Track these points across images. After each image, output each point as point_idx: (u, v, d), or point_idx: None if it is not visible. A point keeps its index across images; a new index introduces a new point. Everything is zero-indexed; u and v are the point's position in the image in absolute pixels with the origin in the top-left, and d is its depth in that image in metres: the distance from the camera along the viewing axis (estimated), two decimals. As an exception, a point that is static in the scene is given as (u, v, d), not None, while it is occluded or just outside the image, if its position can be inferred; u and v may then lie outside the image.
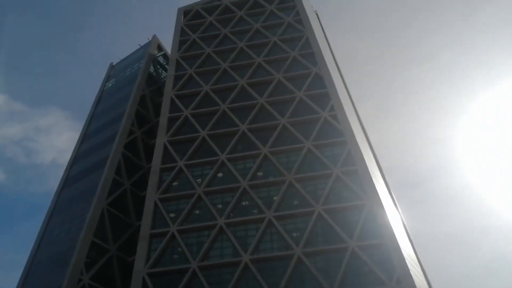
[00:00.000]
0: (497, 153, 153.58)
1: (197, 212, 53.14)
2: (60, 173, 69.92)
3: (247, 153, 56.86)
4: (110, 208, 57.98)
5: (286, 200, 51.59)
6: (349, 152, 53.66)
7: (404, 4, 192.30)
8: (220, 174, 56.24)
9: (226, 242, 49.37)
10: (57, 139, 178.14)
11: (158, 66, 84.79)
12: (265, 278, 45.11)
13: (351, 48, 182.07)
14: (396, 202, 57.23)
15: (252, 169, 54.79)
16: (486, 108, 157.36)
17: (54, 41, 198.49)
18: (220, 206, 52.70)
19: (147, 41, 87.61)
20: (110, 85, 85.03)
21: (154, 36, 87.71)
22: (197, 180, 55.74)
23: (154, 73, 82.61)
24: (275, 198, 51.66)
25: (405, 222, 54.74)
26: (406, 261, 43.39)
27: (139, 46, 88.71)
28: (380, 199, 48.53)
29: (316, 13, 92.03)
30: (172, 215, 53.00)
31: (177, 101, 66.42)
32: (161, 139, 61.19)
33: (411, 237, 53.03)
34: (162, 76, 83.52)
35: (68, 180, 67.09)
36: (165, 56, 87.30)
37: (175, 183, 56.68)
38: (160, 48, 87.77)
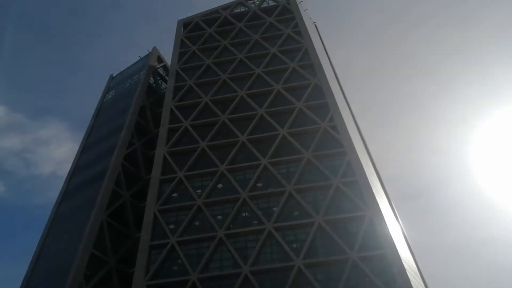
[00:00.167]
0: (498, 165, 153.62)
1: (197, 223, 52.97)
2: (60, 184, 69.94)
3: (246, 164, 56.84)
4: (109, 219, 57.80)
5: (286, 211, 51.46)
6: (349, 163, 53.65)
7: (403, 17, 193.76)
8: (220, 185, 56.17)
9: (226, 254, 49.14)
10: (56, 151, 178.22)
11: (158, 78, 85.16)
12: (265, 290, 44.78)
13: (350, 59, 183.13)
14: (396, 213, 57.09)
15: (252, 180, 54.73)
16: (487, 119, 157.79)
17: (54, 52, 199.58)
18: (220, 217, 52.54)
19: (147, 52, 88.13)
20: (110, 96, 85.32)
21: (154, 48, 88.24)
22: (197, 191, 55.64)
23: (154, 85, 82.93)
24: (275, 209, 51.52)
25: (405, 233, 54.55)
26: (407, 272, 43.16)
27: (139, 58, 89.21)
28: (380, 210, 48.41)
29: (315, 25, 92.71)
30: (171, 226, 52.81)
31: (177, 112, 66.58)
32: (161, 150, 61.21)
33: (412, 248, 52.83)
34: (162, 88, 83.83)
35: (68, 192, 66.99)
36: (165, 67, 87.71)
37: (174, 195, 56.57)
38: (160, 59, 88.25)
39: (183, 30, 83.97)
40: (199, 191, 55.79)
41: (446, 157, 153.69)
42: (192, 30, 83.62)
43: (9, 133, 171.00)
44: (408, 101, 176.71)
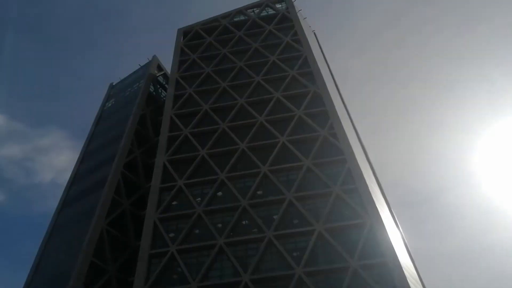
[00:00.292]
0: (498, 171, 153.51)
1: (197, 231, 52.85)
2: (60, 193, 69.88)
3: (246, 171, 56.84)
4: (109, 228, 57.68)
5: (286, 219, 51.37)
6: (349, 170, 53.65)
7: (402, 23, 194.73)
8: (219, 193, 56.12)
9: (226, 262, 48.97)
10: (56, 159, 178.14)
11: (158, 86, 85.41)
12: (265, 299, 44.61)
13: (349, 66, 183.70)
14: (396, 220, 57.00)
15: (252, 187, 54.69)
16: (488, 125, 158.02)
17: (54, 61, 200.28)
18: (220, 225, 52.43)
19: (147, 61, 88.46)
20: (110, 105, 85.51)
21: (154, 56, 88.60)
22: (196, 199, 55.59)
23: (154, 93, 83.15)
24: (275, 217, 51.43)
25: (406, 240, 54.42)
26: (408, 280, 42.98)
27: (139, 66, 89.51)
28: (381, 218, 48.33)
29: (314, 33, 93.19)
30: (171, 234, 52.69)
31: (176, 120, 66.71)
32: (161, 159, 61.23)
33: (413, 255, 52.69)
34: (162, 96, 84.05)
35: (68, 200, 66.93)
36: (165, 75, 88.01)
37: (174, 203, 56.49)
38: (160, 68, 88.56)
39: (183, 39, 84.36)
40: (199, 199, 55.74)
41: (446, 163, 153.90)
42: (192, 38, 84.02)
43: (9, 141, 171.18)
44: (408, 107, 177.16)
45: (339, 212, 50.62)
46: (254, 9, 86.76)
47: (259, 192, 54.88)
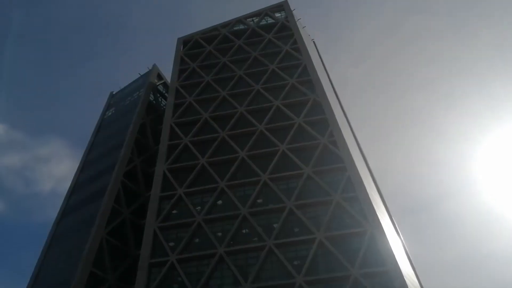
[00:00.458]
0: (499, 178, 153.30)
1: (197, 240, 52.67)
2: (60, 202, 69.77)
3: (246, 180, 56.76)
4: (109, 237, 57.48)
5: (287, 227, 51.20)
6: (349, 178, 53.58)
7: (400, 31, 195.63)
8: (219, 202, 56.00)
9: (226, 271, 48.74)
10: (56, 168, 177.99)
11: (158, 95, 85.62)
12: (266, 308, 44.34)
13: (349, 74, 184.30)
14: (397, 228, 56.83)
15: (252, 196, 54.59)
16: (489, 132, 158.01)
17: (54, 70, 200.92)
18: (220, 234, 52.25)
19: (147, 70, 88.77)
20: (110, 113, 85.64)
21: (154, 65, 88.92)
22: (196, 208, 55.46)
23: (154, 102, 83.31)
24: (275, 225, 51.28)
25: (407, 248, 54.22)
26: (409, 288, 42.75)
27: (139, 75, 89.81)
28: (381, 226, 48.18)
29: (313, 42, 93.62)
30: (171, 243, 52.49)
31: (176, 129, 66.77)
32: (161, 167, 61.19)
33: (414, 263, 52.45)
34: (162, 105, 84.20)
35: (67, 209, 66.80)
36: (165, 84, 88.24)
37: (174, 211, 56.37)
38: (160, 77, 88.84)
39: (183, 48, 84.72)
40: (199, 207, 55.60)
41: (447, 170, 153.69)
42: (191, 47, 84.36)
43: (9, 150, 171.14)
44: (407, 114, 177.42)
45: (339, 220, 50.47)
46: (254, 18, 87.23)
47: (259, 201, 54.76)
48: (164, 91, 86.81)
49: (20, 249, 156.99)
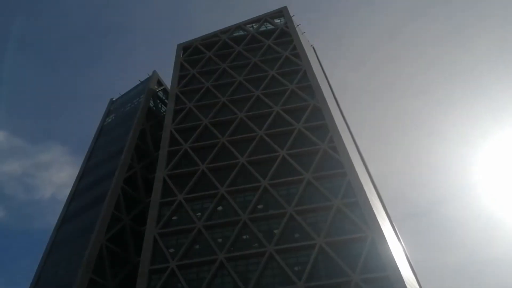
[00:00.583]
0: (499, 183, 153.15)
1: (197, 246, 52.50)
2: (60, 208, 69.64)
3: (247, 185, 56.68)
4: (109, 244, 57.30)
5: (287, 233, 51.06)
6: (349, 184, 53.53)
7: (400, 36, 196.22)
8: (220, 208, 55.89)
9: (227, 278, 48.54)
10: (56, 175, 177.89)
11: (158, 101, 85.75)
12: (267, 314, 44.09)
13: (348, 80, 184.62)
14: (398, 233, 56.67)
15: (252, 202, 54.49)
16: (488, 137, 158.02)
17: (55, 77, 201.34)
18: (220, 240, 52.10)
19: (147, 76, 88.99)
20: (110, 120, 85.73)
21: (154, 72, 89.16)
22: (197, 214, 55.34)
23: (154, 108, 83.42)
24: (275, 231, 51.14)
25: (407, 253, 54.05)
26: (411, 294, 42.58)
27: (139, 82, 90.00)
28: (382, 231, 48.06)
29: (313, 47, 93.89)
30: (171, 250, 52.33)
31: (176, 135, 66.78)
32: (161, 173, 61.13)
33: (414, 269, 52.25)
34: (162, 111, 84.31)
35: (67, 216, 66.66)
36: (165, 90, 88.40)
37: (174, 218, 56.24)
38: (160, 83, 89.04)
39: (183, 54, 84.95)
40: (199, 213, 55.49)
41: (447, 175, 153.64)
42: (191, 53, 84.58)
43: (10, 157, 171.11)
44: (407, 119, 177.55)
45: (340, 226, 50.35)
46: (253, 24, 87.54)
47: (259, 206, 54.66)
48: (164, 97, 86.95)
49: (20, 256, 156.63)
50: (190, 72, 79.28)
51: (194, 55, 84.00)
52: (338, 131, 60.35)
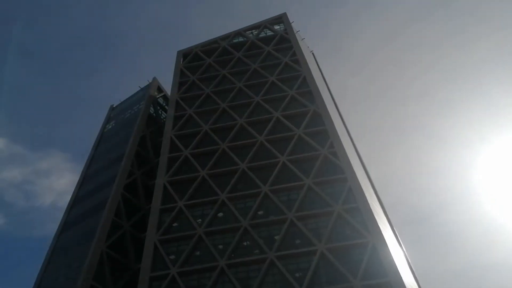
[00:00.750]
0: (499, 187, 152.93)
1: (198, 253, 52.34)
2: (60, 216, 69.52)
3: (247, 192, 56.60)
4: (109, 251, 57.15)
5: (288, 239, 50.91)
6: (350, 189, 53.44)
7: (399, 40, 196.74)
8: (220, 214, 55.78)
9: (228, 284, 48.34)
10: (57, 182, 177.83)
11: (158, 107, 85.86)
12: (268, 321, 43.89)
13: (348, 85, 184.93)
14: (399, 239, 56.49)
15: (252, 208, 54.38)
16: (488, 140, 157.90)
17: (54, 84, 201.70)
18: (221, 246, 51.95)
19: (147, 83, 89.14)
20: (110, 127, 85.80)
21: (154, 78, 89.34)
22: (197, 221, 55.23)
23: (154, 114, 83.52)
24: (276, 237, 51.00)
25: (409, 259, 53.85)
26: (412, 300, 42.39)
27: (139, 88, 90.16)
28: (383, 236, 47.92)
29: (313, 53, 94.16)
30: (172, 257, 52.17)
31: (176, 141, 66.79)
32: (161, 180, 61.08)
33: (416, 274, 52.03)
34: (162, 117, 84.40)
35: (68, 223, 66.55)
36: (165, 97, 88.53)
37: (175, 224, 56.12)
38: (160, 89, 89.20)
39: (183, 61, 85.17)
40: (200, 220, 55.38)
41: (447, 180, 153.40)
42: (191, 60, 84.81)
43: (10, 164, 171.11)
44: (407, 124, 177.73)
45: (341, 232, 50.23)
46: (253, 30, 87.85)
47: (260, 212, 54.55)
48: (164, 104, 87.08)
49: (20, 263, 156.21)
50: (190, 78, 79.44)
51: (194, 61, 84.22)
52: (338, 137, 60.36)
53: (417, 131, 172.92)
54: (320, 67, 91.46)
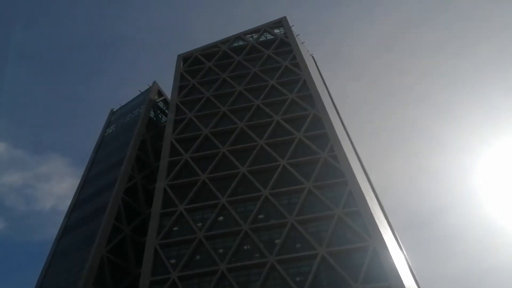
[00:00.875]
0: (499, 190, 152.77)
1: (198, 257, 52.25)
2: (60, 220, 69.46)
3: (247, 195, 56.55)
4: (109, 255, 57.03)
5: (289, 243, 50.81)
6: (350, 193, 53.38)
7: (400, 45, 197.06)
8: (221, 218, 55.71)
9: (228, 288, 48.21)
10: (57, 186, 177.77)
11: (158, 111, 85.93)
12: (269, 325, 43.78)
13: (348, 89, 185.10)
14: (400, 243, 56.39)
15: (253, 211, 54.32)
16: (487, 144, 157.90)
17: (55, 88, 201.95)
18: (221, 250, 51.86)
19: (148, 87, 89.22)
20: (110, 131, 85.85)
21: (154, 82, 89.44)
22: (197, 225, 55.16)
23: (154, 118, 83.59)
24: (277, 241, 50.90)
25: (410, 263, 53.75)
26: (413, 304, 42.27)
27: (140, 92, 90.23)
28: (384, 240, 47.83)
29: (313, 57, 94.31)
30: (172, 261, 52.07)
31: (177, 145, 66.80)
32: (161, 183, 61.04)
33: (417, 278, 51.93)
34: (162, 121, 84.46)
35: (68, 227, 66.47)
36: (165, 101, 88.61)
37: (175, 228, 56.02)
38: (160, 93, 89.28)
39: (183, 64, 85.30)
40: (200, 224, 55.31)
41: (447, 184, 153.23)
42: (191, 64, 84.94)
43: (10, 169, 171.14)
44: (407, 128, 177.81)
45: (341, 235, 50.14)
46: (253, 34, 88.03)
47: (260, 216, 54.48)
48: (164, 108, 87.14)
49: (21, 267, 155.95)
50: (190, 82, 79.55)
51: (194, 65, 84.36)
52: (339, 140, 60.35)
53: (417, 134, 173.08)
54: (320, 70, 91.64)
